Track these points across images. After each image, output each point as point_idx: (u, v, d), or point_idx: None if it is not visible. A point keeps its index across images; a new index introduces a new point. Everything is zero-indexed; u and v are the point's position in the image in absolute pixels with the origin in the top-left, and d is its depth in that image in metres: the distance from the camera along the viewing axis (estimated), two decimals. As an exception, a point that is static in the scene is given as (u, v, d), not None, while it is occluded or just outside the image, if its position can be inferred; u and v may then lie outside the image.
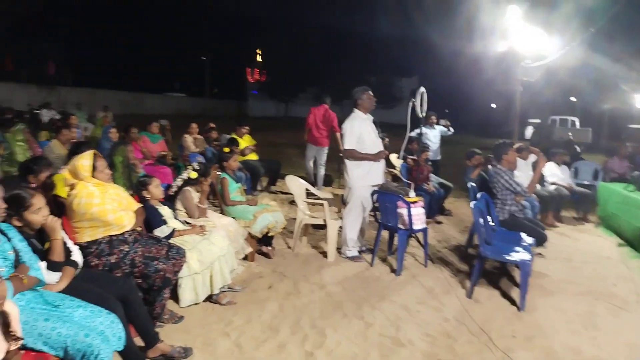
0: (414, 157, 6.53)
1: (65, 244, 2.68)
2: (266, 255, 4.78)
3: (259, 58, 41.79)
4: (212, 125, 8.79)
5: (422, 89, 5.00)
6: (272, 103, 43.03)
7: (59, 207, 3.14)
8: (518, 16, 10.41)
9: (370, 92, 4.85)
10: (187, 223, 3.98)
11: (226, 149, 5.20)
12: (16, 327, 1.77)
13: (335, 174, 9.09)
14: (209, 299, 3.64)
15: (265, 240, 4.78)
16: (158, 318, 3.18)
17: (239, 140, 7.49)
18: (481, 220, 4.02)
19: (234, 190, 4.80)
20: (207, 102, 39.98)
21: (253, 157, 7.73)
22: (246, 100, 44.24)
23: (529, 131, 26.86)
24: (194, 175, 4.25)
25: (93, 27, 32.68)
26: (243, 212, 4.64)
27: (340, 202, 5.59)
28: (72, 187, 3.14)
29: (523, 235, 4.35)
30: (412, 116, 5.02)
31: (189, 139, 8.03)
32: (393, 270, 4.52)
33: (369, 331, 3.30)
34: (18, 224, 2.45)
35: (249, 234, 4.53)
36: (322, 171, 8.03)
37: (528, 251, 3.97)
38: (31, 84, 22.89)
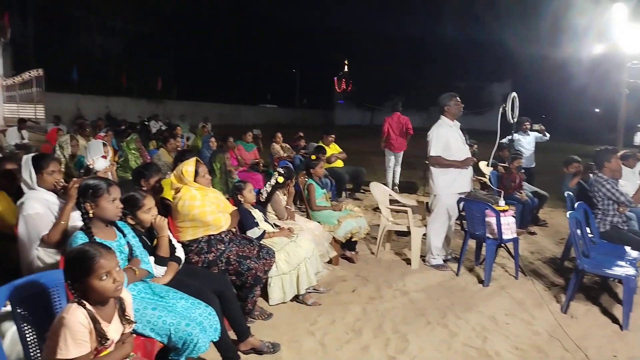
0: (505, 165, 6.26)
1: (170, 241, 3.00)
2: (350, 259, 4.88)
3: (346, 68, 42.45)
4: (301, 134, 9.15)
5: (514, 94, 4.81)
6: (358, 112, 43.37)
7: (165, 209, 3.50)
8: (624, 15, 9.53)
9: (458, 99, 4.77)
10: (277, 226, 4.22)
11: (313, 157, 5.41)
12: (130, 312, 2.03)
13: (420, 181, 8.97)
14: (296, 298, 3.82)
15: (349, 245, 4.89)
16: (249, 314, 3.41)
17: (326, 148, 7.71)
18: (578, 232, 3.77)
19: (320, 196, 4.97)
20: (297, 112, 41.43)
21: (339, 164, 7.91)
22: (333, 109, 45.10)
23: (638, 137, 24.10)
24: (281, 179, 4.50)
25: (196, 46, 35.40)
26: (328, 217, 4.79)
27: (425, 210, 5.54)
28: (177, 190, 3.49)
29: (627, 248, 4.00)
30: (503, 122, 4.86)
31: (276, 147, 8.43)
32: (480, 281, 4.39)
33: (453, 340, 3.25)
34: (131, 222, 2.79)
35: (334, 238, 4.66)
36: (397, 173, 8.85)
37: (633, 266, 3.65)
38: (142, 99, 25.40)
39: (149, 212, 2.83)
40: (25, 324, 2.01)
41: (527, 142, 7.62)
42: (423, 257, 4.90)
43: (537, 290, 4.16)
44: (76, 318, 1.76)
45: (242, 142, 8.17)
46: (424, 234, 4.87)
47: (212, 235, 3.43)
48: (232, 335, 3.02)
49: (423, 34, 35.16)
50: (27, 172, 3.15)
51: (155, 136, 11.12)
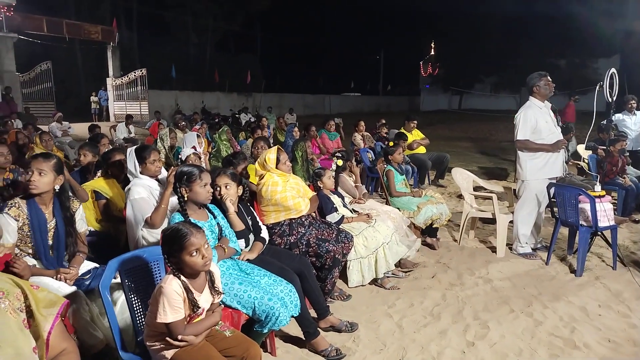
0: (605, 147, 5.76)
1: (257, 222, 3.24)
2: (430, 246, 4.84)
3: (432, 52, 41.00)
4: (383, 121, 9.12)
5: (612, 70, 4.42)
6: (445, 96, 41.78)
7: (251, 194, 3.75)
8: None
9: (549, 78, 4.48)
10: (355, 212, 4.31)
11: (391, 143, 5.41)
12: (219, 284, 2.25)
13: (510, 167, 8.53)
14: (374, 282, 3.90)
15: (429, 231, 4.84)
16: (329, 294, 3.55)
17: (407, 134, 7.63)
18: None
19: (399, 182, 4.97)
20: (381, 100, 41.00)
21: (421, 150, 7.78)
22: (418, 95, 43.92)
23: None
24: (340, 162, 4.60)
25: (281, 40, 36.45)
26: (407, 203, 4.78)
27: (512, 196, 5.30)
28: (261, 177, 3.73)
29: None
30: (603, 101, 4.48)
31: (357, 137, 8.48)
32: (572, 271, 4.13)
33: (537, 329, 3.13)
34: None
35: (413, 225, 4.65)
36: None
37: None
38: (232, 92, 26.77)
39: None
40: (131, 293, 2.31)
41: (632, 122, 6.91)
42: (510, 245, 4.71)
43: (637, 282, 3.82)
44: (172, 287, 2.00)
45: (325, 130, 8.36)
46: (511, 221, 4.67)
47: (293, 218, 3.62)
48: (313, 314, 3.18)
49: (518, 9, 32.71)
50: (132, 162, 3.56)
51: (244, 127, 11.72)
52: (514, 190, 5.13)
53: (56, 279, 2.55)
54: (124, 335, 2.25)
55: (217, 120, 16.19)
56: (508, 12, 32.71)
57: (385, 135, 8.60)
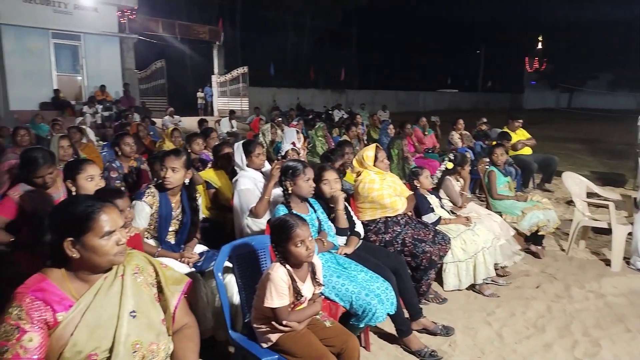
0: None
1: (352, 217, 3.28)
2: (535, 254, 4.54)
3: (539, 45, 38.12)
4: (484, 120, 8.71)
5: None
6: (552, 94, 38.71)
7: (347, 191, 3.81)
8: None
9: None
10: (453, 213, 4.19)
11: (493, 143, 5.15)
12: (320, 275, 2.33)
13: (629, 173, 7.71)
14: (472, 287, 3.77)
15: (534, 239, 4.55)
16: (424, 295, 3.50)
17: (511, 134, 7.21)
18: None
19: (502, 184, 4.73)
20: (479, 97, 39.08)
21: (526, 151, 7.31)
22: (522, 92, 41.12)
23: None
24: (450, 165, 4.43)
25: (377, 36, 36.26)
26: (510, 208, 4.54)
27: (632, 205, 4.79)
28: (358, 173, 3.77)
29: None
30: None
31: (455, 136, 8.18)
32: None
33: (660, 355, 2.82)
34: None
35: (516, 230, 4.40)
36: None
37: None
38: (326, 89, 27.22)
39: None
40: (240, 276, 2.48)
41: None
42: (627, 259, 4.27)
43: None
44: (279, 275, 2.11)
45: (418, 126, 8.21)
46: (630, 233, 4.24)
47: (389, 217, 3.61)
48: (405, 314, 3.15)
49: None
50: (239, 155, 3.79)
51: (337, 124, 11.87)
52: (634, 199, 4.64)
53: (180, 262, 2.82)
54: (232, 316, 2.42)
55: (310, 116, 16.60)
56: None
57: (485, 134, 8.20)
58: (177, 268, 2.72)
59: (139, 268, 1.72)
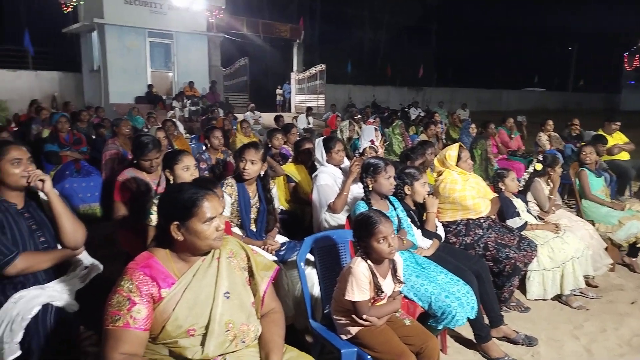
0: None
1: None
2: (630, 267, 4.19)
3: (642, 41, 34.68)
4: (576, 121, 8.13)
5: None
6: (657, 94, 35.10)
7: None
8: None
9: None
10: (541, 219, 3.98)
11: (583, 143, 4.80)
12: (400, 273, 2.33)
13: None
14: (558, 298, 3.57)
15: (630, 250, 4.20)
16: (505, 302, 3.37)
17: (607, 137, 6.66)
18: None
19: (597, 188, 4.40)
20: (569, 96, 36.40)
21: (623, 156, 6.73)
22: (619, 92, 37.70)
23: None
24: (539, 167, 4.19)
25: (457, 31, 35.04)
26: (605, 216, 4.22)
27: None
28: (439, 173, 3.70)
29: None
30: None
31: (543, 137, 7.72)
32: None
33: None
34: (408, 192, 3.12)
35: (610, 241, 4.09)
36: None
37: None
38: (403, 86, 26.79)
39: (425, 186, 3.11)
40: (321, 268, 2.55)
41: None
42: None
43: None
44: (360, 269, 2.15)
45: (504, 127, 7.84)
46: None
47: (471, 219, 3.51)
48: (485, 320, 3.06)
49: None
50: (319, 151, 3.88)
51: (414, 122, 11.68)
52: None
53: (263, 249, 2.95)
54: (311, 306, 2.50)
55: (386, 114, 16.45)
56: None
57: (577, 137, 7.66)
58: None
59: (233, 252, 1.84)
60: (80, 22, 16.21)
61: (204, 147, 5.13)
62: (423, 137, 6.96)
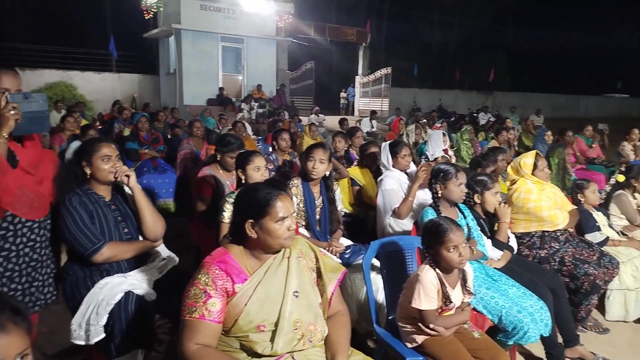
0: None
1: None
2: None
3: None
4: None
5: None
6: None
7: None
8: None
9: None
10: (624, 235, 3.70)
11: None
12: (470, 284, 2.25)
13: None
14: (641, 321, 3.29)
15: None
16: (581, 321, 3.16)
17: None
18: None
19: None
20: (656, 103, 33.51)
21: None
22: None
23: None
24: (621, 178, 3.90)
25: (533, 34, 33.35)
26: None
27: None
28: (513, 182, 3.55)
29: None
30: None
31: (627, 147, 7.14)
32: None
33: None
34: (477, 200, 3.02)
35: None
36: None
37: None
38: (472, 90, 25.92)
39: (496, 196, 3.01)
40: (387, 273, 2.53)
41: None
42: None
43: None
44: (428, 277, 2.10)
45: (582, 136, 7.36)
46: None
47: (546, 231, 3.33)
48: (559, 338, 2.89)
49: None
50: (385, 155, 3.85)
51: (483, 128, 11.26)
52: None
53: (328, 250, 2.98)
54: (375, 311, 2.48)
55: (453, 118, 15.99)
56: None
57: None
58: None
59: (302, 253, 1.87)
60: (160, 28, 17.22)
61: (270, 149, 5.27)
62: (493, 143, 6.68)
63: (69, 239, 2.21)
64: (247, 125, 8.80)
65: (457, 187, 2.81)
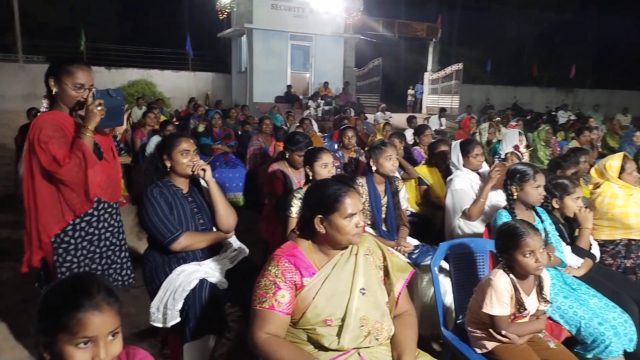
0: None
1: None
2: None
3: None
4: None
5: None
6: None
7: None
8: None
9: None
10: None
11: None
12: (547, 291, 2.13)
13: None
14: None
15: None
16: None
17: None
18: None
19: None
20: None
21: None
22: None
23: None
24: None
25: (622, 26, 30.74)
26: None
27: None
28: (596, 185, 3.31)
29: None
30: None
31: None
32: None
33: None
34: (556, 206, 2.86)
35: None
36: None
37: None
38: (550, 87, 24.41)
39: (577, 201, 2.83)
40: (455, 277, 2.46)
41: None
42: None
43: None
44: (501, 282, 2.02)
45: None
46: None
47: (633, 239, 3.09)
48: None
49: None
50: (456, 154, 3.73)
51: (563, 127, 10.57)
52: None
53: (396, 250, 2.96)
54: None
55: (529, 117, 15.15)
56: None
57: None
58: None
59: (370, 250, 1.87)
60: (233, 27, 17.85)
61: (335, 146, 5.29)
62: (574, 143, 6.25)
63: (149, 228, 2.36)
64: (313, 122, 8.91)
65: (535, 190, 2.67)
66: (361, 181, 3.22)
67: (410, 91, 22.71)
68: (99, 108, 2.15)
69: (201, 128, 7.60)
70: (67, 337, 1.11)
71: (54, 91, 2.19)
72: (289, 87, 16.66)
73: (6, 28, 16.56)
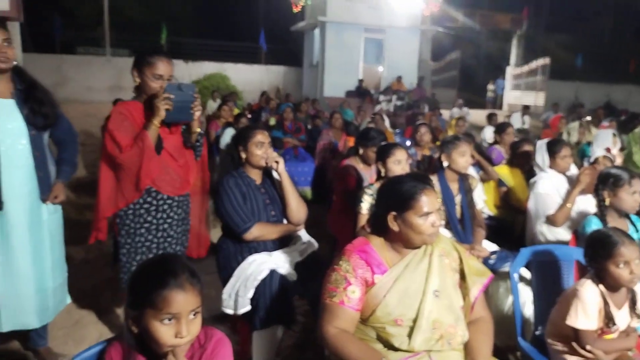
0: None
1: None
2: None
3: None
4: None
5: None
6: None
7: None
8: None
9: None
10: None
11: None
12: (640, 306, 1.94)
13: None
14: None
15: None
16: None
17: None
18: None
19: None
20: None
21: None
22: None
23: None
24: None
25: None
26: None
27: None
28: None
29: None
30: None
31: None
32: None
33: None
34: None
35: None
36: None
37: None
38: (647, 85, 22.21)
39: None
40: (537, 285, 2.30)
41: None
42: None
43: None
44: (589, 293, 1.86)
45: None
46: None
47: None
48: None
49: None
50: (541, 155, 3.48)
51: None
52: None
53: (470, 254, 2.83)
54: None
55: (624, 117, 13.86)
56: None
57: None
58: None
59: (445, 251, 1.79)
60: (306, 21, 17.99)
61: (408, 142, 5.16)
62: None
63: (224, 216, 2.44)
64: (385, 118, 8.78)
65: (630, 196, 2.43)
66: (432, 178, 3.11)
67: (490, 86, 21.64)
68: (165, 102, 2.15)
69: (272, 121, 7.76)
70: (153, 312, 1.19)
71: (137, 82, 2.27)
72: (360, 81, 16.53)
73: (96, 23, 17.93)
